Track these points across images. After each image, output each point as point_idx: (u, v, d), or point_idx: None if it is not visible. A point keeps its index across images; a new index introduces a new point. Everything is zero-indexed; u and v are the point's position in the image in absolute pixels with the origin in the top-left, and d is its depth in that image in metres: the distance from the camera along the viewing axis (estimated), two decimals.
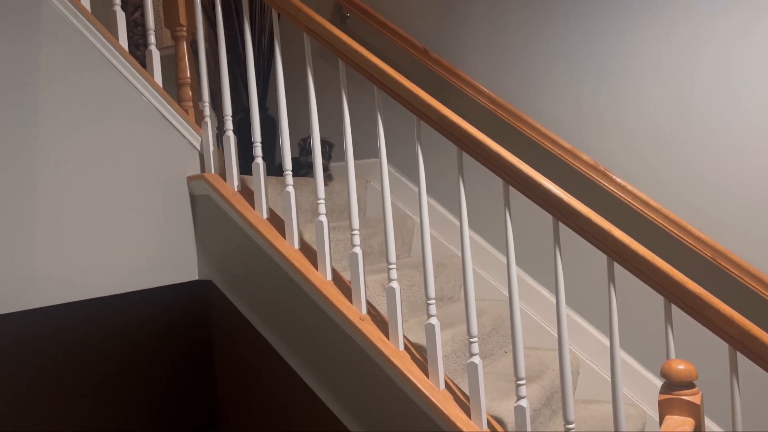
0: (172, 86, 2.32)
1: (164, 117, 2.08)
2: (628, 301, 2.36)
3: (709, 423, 2.19)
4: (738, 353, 1.74)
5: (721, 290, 2.17)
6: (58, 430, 2.70)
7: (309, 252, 1.94)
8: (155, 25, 3.67)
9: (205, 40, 2.84)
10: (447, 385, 1.72)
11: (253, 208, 2.02)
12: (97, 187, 1.88)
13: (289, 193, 1.94)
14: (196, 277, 2.16)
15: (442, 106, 1.66)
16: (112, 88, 1.96)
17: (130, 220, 1.96)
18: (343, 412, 1.84)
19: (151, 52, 2.14)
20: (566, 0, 2.48)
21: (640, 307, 2.34)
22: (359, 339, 1.77)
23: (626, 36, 2.36)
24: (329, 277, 1.88)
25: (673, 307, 2.21)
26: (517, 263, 2.61)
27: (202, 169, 2.18)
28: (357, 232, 1.84)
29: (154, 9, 3.68)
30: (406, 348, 1.77)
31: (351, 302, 1.82)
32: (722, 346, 2.16)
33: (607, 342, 2.39)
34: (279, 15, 2.79)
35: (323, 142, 2.76)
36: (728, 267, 2.11)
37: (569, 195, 1.52)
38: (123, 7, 3.43)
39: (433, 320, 1.70)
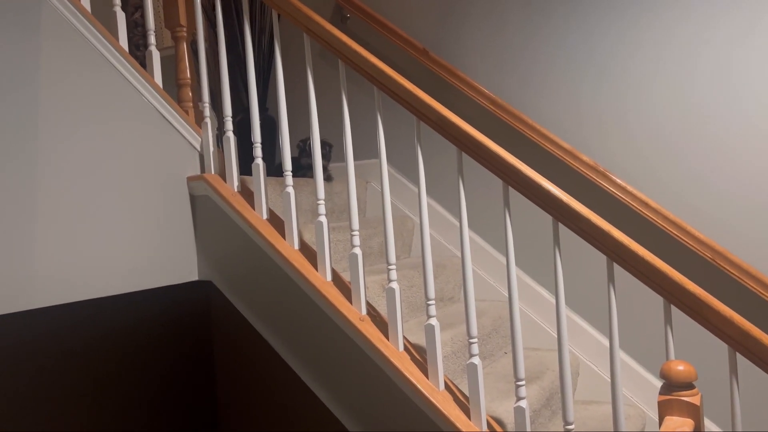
0: (172, 87, 2.32)
1: (164, 117, 2.09)
2: (628, 301, 2.36)
3: (708, 423, 2.19)
4: (737, 354, 1.74)
5: (721, 291, 2.17)
6: (58, 430, 2.70)
7: (309, 253, 1.94)
8: (155, 25, 3.67)
9: (205, 40, 2.84)
10: (447, 386, 1.72)
11: (253, 208, 2.02)
12: (97, 187, 1.88)
13: (288, 193, 1.94)
14: (195, 278, 2.16)
15: (442, 106, 1.66)
16: (112, 89, 1.96)
17: (130, 220, 1.96)
18: (343, 413, 1.85)
19: (151, 52, 2.14)
20: (566, 0, 2.48)
21: (639, 308, 2.34)
22: (359, 340, 1.77)
23: (626, 36, 2.36)
24: (329, 277, 1.88)
25: (673, 308, 2.21)
26: (516, 264, 2.61)
27: (202, 169, 2.18)
28: (357, 232, 1.84)
29: (155, 9, 3.68)
30: (406, 349, 1.78)
31: (351, 303, 1.82)
32: (722, 347, 2.16)
33: (606, 343, 2.39)
34: (279, 15, 2.79)
35: (322, 143, 2.76)
36: (728, 268, 2.11)
37: (569, 196, 1.52)
38: (123, 8, 3.43)
39: (433, 321, 1.70)
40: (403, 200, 2.90)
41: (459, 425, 1.59)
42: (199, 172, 2.17)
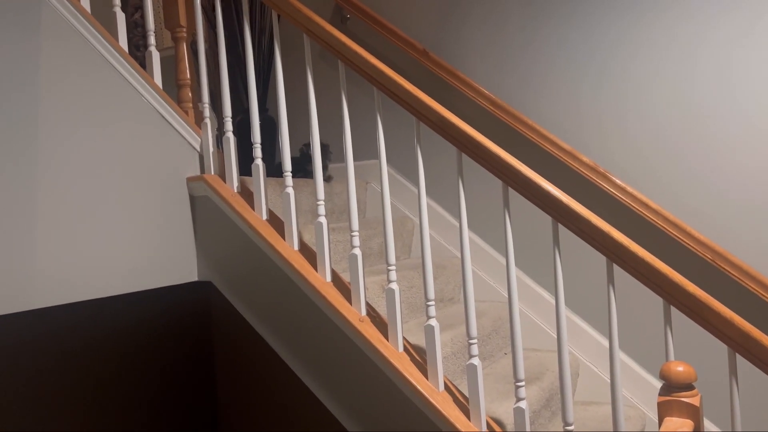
0: (172, 87, 2.32)
1: (164, 118, 2.09)
2: (628, 302, 2.36)
3: (708, 424, 2.19)
4: (737, 355, 1.74)
5: (721, 292, 2.17)
6: (58, 430, 2.70)
7: (308, 253, 1.94)
8: (155, 26, 3.68)
9: (205, 41, 2.84)
10: (446, 387, 1.72)
11: (253, 209, 2.02)
12: (97, 188, 1.88)
13: (288, 194, 1.94)
14: (195, 278, 2.16)
15: (442, 107, 1.66)
16: (112, 89, 1.96)
17: (129, 221, 1.96)
18: (343, 414, 1.84)
19: (150, 53, 2.14)
20: (566, 1, 2.48)
21: (639, 309, 2.34)
22: (358, 340, 1.77)
23: (626, 37, 2.36)
24: (329, 278, 1.88)
25: (673, 309, 2.21)
26: (516, 265, 2.61)
27: (202, 170, 2.18)
28: (356, 233, 1.84)
29: (154, 10, 3.68)
30: (406, 349, 1.77)
31: (350, 303, 1.82)
32: (721, 348, 2.16)
33: (606, 343, 2.39)
34: (279, 16, 2.79)
35: (322, 146, 2.76)
36: (728, 269, 2.11)
37: (568, 196, 1.52)
38: (123, 8, 3.44)
39: (433, 322, 1.70)
40: (403, 201, 2.90)
41: (459, 426, 1.59)
42: (198, 173, 2.17)
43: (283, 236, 1.96)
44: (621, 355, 2.37)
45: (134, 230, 1.97)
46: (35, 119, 1.75)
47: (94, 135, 1.89)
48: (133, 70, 2.01)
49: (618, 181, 2.32)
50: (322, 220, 1.88)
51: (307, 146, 2.85)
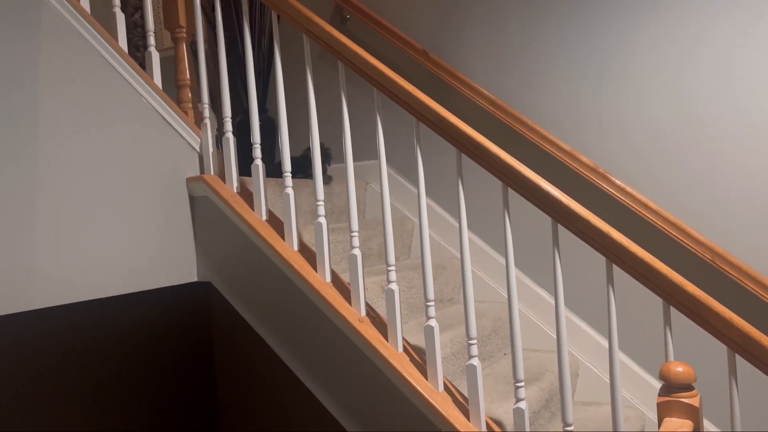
0: (172, 88, 2.32)
1: (163, 118, 2.09)
2: (628, 303, 2.36)
3: (708, 425, 2.19)
4: (737, 355, 1.74)
5: (720, 292, 2.17)
6: (58, 430, 2.70)
7: (308, 254, 1.94)
8: (155, 26, 3.68)
9: (205, 41, 2.84)
10: (446, 387, 1.72)
11: (253, 209, 2.02)
12: (97, 188, 1.88)
13: (288, 194, 1.94)
14: (195, 279, 2.16)
15: (441, 107, 1.66)
16: (112, 90, 1.96)
17: (129, 221, 1.96)
18: (342, 414, 1.84)
19: (150, 53, 2.14)
20: (566, 1, 2.48)
21: (639, 310, 2.34)
22: (358, 341, 1.77)
23: (626, 37, 2.36)
24: (328, 278, 1.88)
25: (672, 310, 2.21)
26: (516, 265, 2.61)
27: (202, 170, 2.18)
28: (356, 233, 1.84)
29: (154, 10, 3.68)
30: (405, 350, 1.77)
31: (350, 304, 1.82)
32: (721, 349, 2.16)
33: (606, 344, 2.39)
34: (278, 17, 2.79)
35: (323, 149, 2.76)
36: (727, 269, 2.11)
37: (568, 197, 1.52)
38: (123, 9, 3.44)
39: (432, 322, 1.70)
40: (403, 201, 2.90)
41: (458, 426, 1.59)
42: (198, 173, 2.17)
43: (282, 237, 1.96)
44: (621, 356, 2.37)
45: (134, 230, 1.97)
46: (35, 119, 1.75)
47: (93, 135, 1.89)
48: (132, 71, 2.01)
49: (617, 182, 2.32)
50: (322, 220, 1.88)
51: (309, 150, 2.85)
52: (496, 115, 2.57)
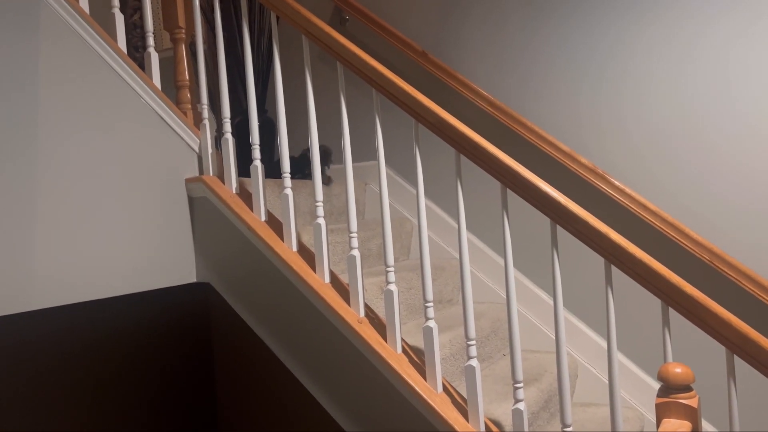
0: (171, 88, 2.32)
1: (162, 119, 2.09)
2: (626, 304, 2.36)
3: (706, 425, 2.19)
4: (735, 356, 1.74)
5: (719, 293, 2.17)
6: (58, 430, 2.70)
7: (307, 255, 1.94)
8: (154, 27, 3.69)
9: (204, 42, 2.84)
10: (445, 388, 1.72)
11: (252, 210, 2.02)
12: (96, 189, 1.88)
13: (287, 195, 1.94)
14: (194, 280, 2.16)
15: (440, 109, 1.66)
16: (111, 91, 1.96)
17: (128, 222, 1.96)
18: (341, 415, 1.84)
19: (149, 54, 2.14)
20: (565, 3, 2.48)
21: (638, 310, 2.34)
22: (357, 342, 1.77)
23: (626, 37, 2.36)
24: (327, 279, 1.88)
25: (671, 310, 2.22)
26: (515, 266, 2.61)
27: (201, 171, 2.18)
28: (355, 234, 1.84)
29: (153, 11, 3.68)
30: (404, 351, 1.77)
31: (349, 305, 1.82)
32: (719, 349, 2.16)
33: (605, 345, 2.39)
34: (278, 17, 2.79)
35: (323, 150, 2.76)
36: (726, 270, 2.11)
37: (566, 198, 1.52)
38: (122, 9, 3.43)
39: (431, 323, 1.70)
40: (402, 202, 2.90)
41: (457, 427, 1.59)
42: (197, 174, 2.17)
43: (281, 237, 1.96)
44: (619, 357, 2.37)
45: (133, 231, 1.97)
46: (34, 120, 1.75)
47: (92, 136, 1.89)
48: (131, 71, 2.01)
49: (616, 183, 2.32)
50: (321, 221, 1.88)
51: (307, 151, 2.86)
52: (495, 116, 2.57)
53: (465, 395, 1.82)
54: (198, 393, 3.33)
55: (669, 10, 2.28)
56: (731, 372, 1.42)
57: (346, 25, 3.05)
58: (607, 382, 2.31)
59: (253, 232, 1.96)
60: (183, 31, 2.19)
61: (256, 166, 2.02)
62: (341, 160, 3.04)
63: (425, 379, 1.70)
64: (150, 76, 2.12)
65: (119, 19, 2.07)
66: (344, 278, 2.22)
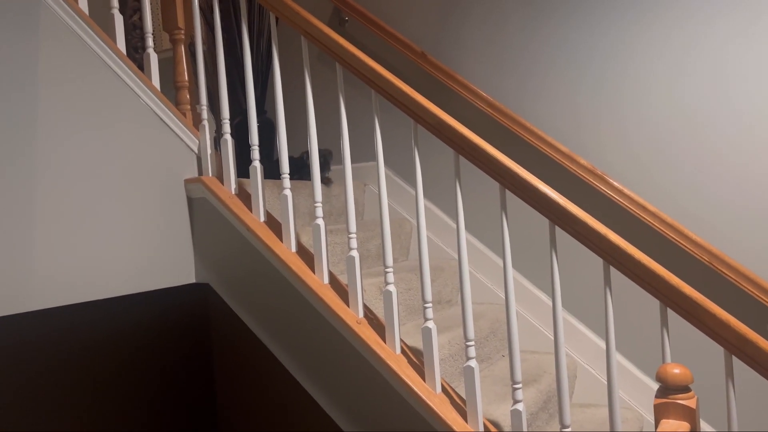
0: (170, 89, 2.32)
1: (162, 120, 2.09)
2: (625, 304, 2.36)
3: (705, 426, 2.19)
4: (734, 357, 1.74)
5: (718, 294, 2.17)
6: (58, 430, 2.70)
7: (306, 255, 1.94)
8: (153, 28, 3.69)
9: (204, 43, 2.84)
10: (444, 389, 1.72)
11: (251, 211, 2.02)
12: (95, 189, 1.88)
13: (286, 196, 1.95)
14: (193, 280, 2.16)
15: (439, 109, 1.66)
16: (110, 91, 1.96)
17: (127, 222, 1.96)
18: (340, 415, 1.84)
19: (149, 55, 2.14)
20: (565, 3, 2.49)
21: (636, 311, 2.34)
22: (356, 342, 1.77)
23: (625, 37, 2.36)
24: (326, 280, 1.88)
25: (669, 311, 2.22)
26: (514, 266, 2.61)
27: (200, 172, 2.18)
28: (354, 235, 1.84)
29: (153, 12, 3.68)
30: (403, 351, 1.78)
31: (348, 306, 1.82)
32: (718, 350, 2.16)
33: (604, 345, 2.39)
34: (277, 18, 2.79)
35: (322, 152, 2.76)
36: (725, 271, 2.11)
37: (565, 198, 1.52)
38: (121, 10, 3.43)
39: (430, 324, 1.70)
40: (401, 203, 2.90)
41: (455, 428, 1.59)
42: (196, 175, 2.17)
43: (280, 238, 1.96)
44: (618, 357, 2.37)
45: (132, 232, 1.97)
46: (34, 121, 1.75)
47: (91, 137, 1.89)
48: (130, 72, 2.01)
49: (615, 184, 2.33)
50: (320, 222, 1.88)
51: (306, 154, 2.85)
52: (494, 117, 2.57)
53: (464, 396, 1.82)
54: (197, 393, 3.33)
55: (669, 10, 2.28)
56: (730, 373, 1.42)
57: (345, 26, 3.05)
58: (606, 382, 2.32)
59: (252, 232, 1.96)
60: (182, 32, 2.19)
61: (255, 167, 2.02)
62: (340, 160, 3.04)
63: (424, 380, 1.70)
64: (149, 76, 2.12)
65: (118, 20, 2.07)
66: (343, 279, 2.22)
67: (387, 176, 2.94)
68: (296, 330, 1.92)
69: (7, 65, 1.71)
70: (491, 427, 1.70)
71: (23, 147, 1.72)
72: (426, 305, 1.71)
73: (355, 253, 1.82)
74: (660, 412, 1.21)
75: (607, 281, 1.49)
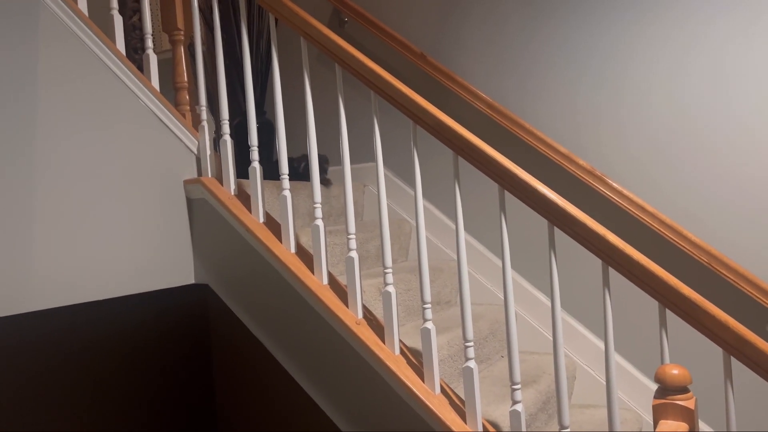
0: (170, 90, 2.32)
1: (161, 121, 2.09)
2: (624, 305, 2.36)
3: (703, 426, 2.20)
4: (732, 358, 1.74)
5: (717, 295, 2.17)
6: (57, 430, 2.70)
7: (305, 256, 1.94)
8: (153, 28, 3.69)
9: (203, 43, 2.84)
10: (443, 390, 1.72)
11: (250, 212, 2.02)
12: (94, 190, 1.88)
13: (285, 197, 1.95)
14: (192, 281, 2.16)
15: (438, 110, 1.66)
16: (110, 92, 1.96)
17: (126, 223, 1.96)
18: (339, 416, 1.84)
19: (148, 56, 2.14)
20: (564, 4, 2.49)
21: (635, 312, 2.34)
22: (355, 343, 1.77)
23: (625, 38, 2.37)
24: (325, 281, 1.88)
25: (668, 312, 2.22)
26: (513, 267, 2.62)
27: (199, 172, 2.18)
28: (353, 236, 1.84)
29: (152, 13, 3.68)
30: (402, 352, 1.78)
31: (347, 306, 1.83)
32: (717, 351, 2.16)
33: (603, 346, 2.39)
34: (276, 19, 2.80)
35: (319, 157, 2.76)
36: (724, 272, 2.11)
37: (564, 199, 1.52)
38: (121, 11, 3.44)
39: (429, 324, 1.70)
40: (400, 203, 2.90)
41: (454, 429, 1.60)
42: (196, 176, 2.17)
43: (280, 239, 1.96)
44: (617, 358, 2.37)
45: (131, 233, 1.97)
46: (34, 121, 1.75)
47: (91, 138, 1.89)
48: (130, 73, 2.01)
49: (614, 185, 2.33)
50: (319, 223, 1.88)
51: (299, 161, 2.85)
52: (493, 118, 2.58)
53: (463, 397, 1.82)
54: (197, 393, 3.33)
55: (669, 10, 2.28)
56: (728, 373, 1.42)
57: (345, 26, 3.05)
58: (605, 383, 2.32)
59: (252, 233, 1.96)
60: (182, 32, 2.19)
61: (255, 168, 2.02)
62: (339, 162, 3.04)
63: (423, 381, 1.70)
64: (149, 77, 2.12)
65: (118, 21, 2.07)
66: (342, 280, 2.23)
67: (386, 177, 2.94)
68: (295, 331, 1.92)
69: (7, 66, 1.71)
70: (490, 428, 1.70)
71: (23, 147, 1.72)
72: (425, 306, 1.71)
73: (354, 254, 1.83)
74: (659, 413, 1.21)
75: (606, 282, 1.49)
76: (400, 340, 1.81)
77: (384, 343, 1.76)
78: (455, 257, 2.75)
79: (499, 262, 2.64)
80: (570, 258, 2.47)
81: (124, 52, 2.05)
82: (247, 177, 2.62)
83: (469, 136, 1.61)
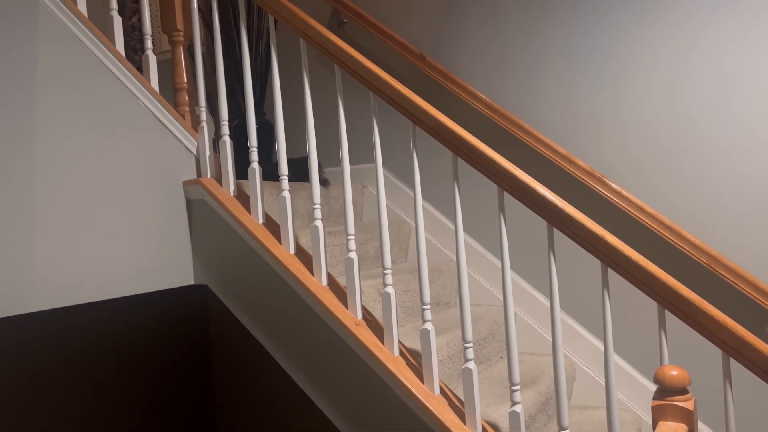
0: (169, 91, 2.32)
1: (160, 121, 2.09)
2: (623, 306, 2.36)
3: (703, 427, 2.20)
4: (731, 359, 1.74)
5: (716, 296, 2.17)
6: (57, 430, 2.70)
7: (305, 257, 1.94)
8: (152, 29, 3.68)
9: (203, 44, 2.85)
10: (442, 391, 1.72)
11: (249, 213, 2.02)
12: (94, 191, 1.88)
13: (284, 198, 1.95)
14: (191, 282, 2.16)
15: (438, 111, 1.66)
16: (109, 93, 1.96)
17: (126, 224, 1.96)
18: (339, 417, 1.84)
19: (147, 57, 2.14)
20: (564, 4, 2.49)
21: (634, 313, 2.34)
22: (354, 344, 1.77)
23: (625, 38, 2.37)
24: (325, 282, 1.88)
25: (667, 313, 2.22)
26: (512, 268, 2.61)
27: (199, 173, 2.18)
28: (353, 237, 1.84)
29: (152, 14, 3.68)
30: (402, 353, 1.78)
31: (346, 307, 1.83)
32: (716, 352, 2.16)
33: (602, 347, 2.39)
34: (276, 20, 2.80)
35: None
36: (723, 273, 2.11)
37: (563, 200, 1.52)
38: (120, 12, 3.43)
39: (428, 325, 1.70)
40: (400, 204, 2.90)
41: (454, 430, 1.60)
42: (195, 176, 2.17)
43: (279, 240, 1.96)
44: (616, 359, 2.37)
45: (131, 234, 1.97)
46: (33, 122, 1.75)
47: (90, 139, 1.89)
48: (129, 74, 2.01)
49: (614, 185, 2.33)
50: (318, 223, 1.88)
51: (296, 162, 2.85)
52: (492, 118, 2.58)
53: (462, 398, 1.82)
54: (196, 394, 3.33)
55: (669, 10, 2.28)
56: (727, 374, 1.42)
57: (344, 27, 3.05)
58: (604, 384, 2.32)
59: (251, 234, 1.96)
60: (181, 33, 2.19)
61: (254, 169, 2.02)
62: (339, 163, 3.04)
63: (422, 382, 1.70)
64: (148, 78, 2.12)
65: (117, 22, 2.07)
66: (342, 281, 2.22)
67: (385, 178, 2.94)
68: (295, 332, 1.92)
69: (7, 67, 1.71)
70: (489, 429, 1.70)
71: (23, 148, 1.72)
72: (424, 307, 1.71)
73: (353, 255, 1.83)
74: (658, 414, 1.21)
75: (605, 283, 1.49)
76: (400, 341, 1.81)
77: (383, 344, 1.76)
78: (454, 258, 2.75)
79: (498, 263, 2.64)
80: (569, 259, 2.46)
81: (123, 53, 2.05)
82: (246, 178, 2.62)
83: (469, 137, 1.61)
